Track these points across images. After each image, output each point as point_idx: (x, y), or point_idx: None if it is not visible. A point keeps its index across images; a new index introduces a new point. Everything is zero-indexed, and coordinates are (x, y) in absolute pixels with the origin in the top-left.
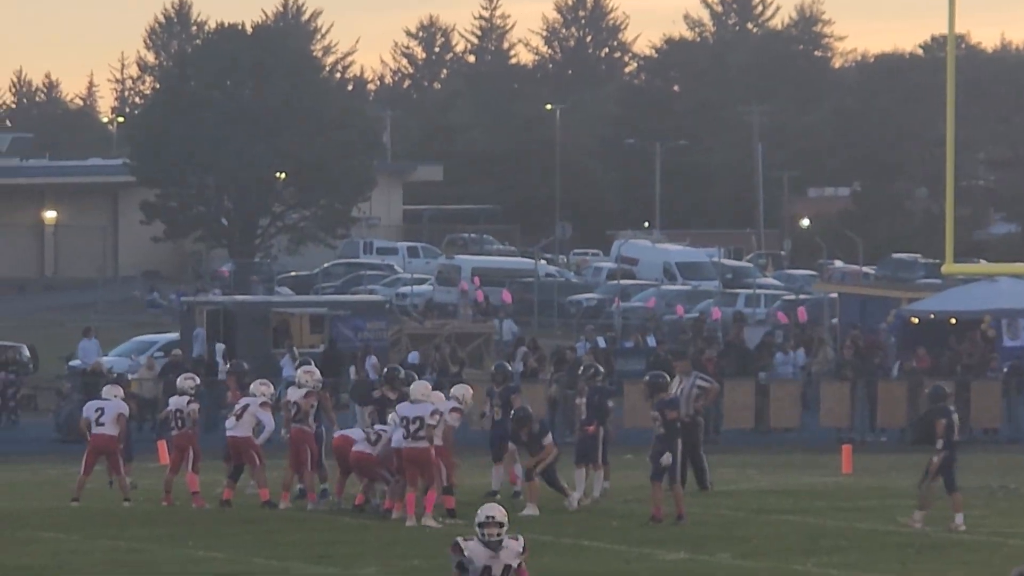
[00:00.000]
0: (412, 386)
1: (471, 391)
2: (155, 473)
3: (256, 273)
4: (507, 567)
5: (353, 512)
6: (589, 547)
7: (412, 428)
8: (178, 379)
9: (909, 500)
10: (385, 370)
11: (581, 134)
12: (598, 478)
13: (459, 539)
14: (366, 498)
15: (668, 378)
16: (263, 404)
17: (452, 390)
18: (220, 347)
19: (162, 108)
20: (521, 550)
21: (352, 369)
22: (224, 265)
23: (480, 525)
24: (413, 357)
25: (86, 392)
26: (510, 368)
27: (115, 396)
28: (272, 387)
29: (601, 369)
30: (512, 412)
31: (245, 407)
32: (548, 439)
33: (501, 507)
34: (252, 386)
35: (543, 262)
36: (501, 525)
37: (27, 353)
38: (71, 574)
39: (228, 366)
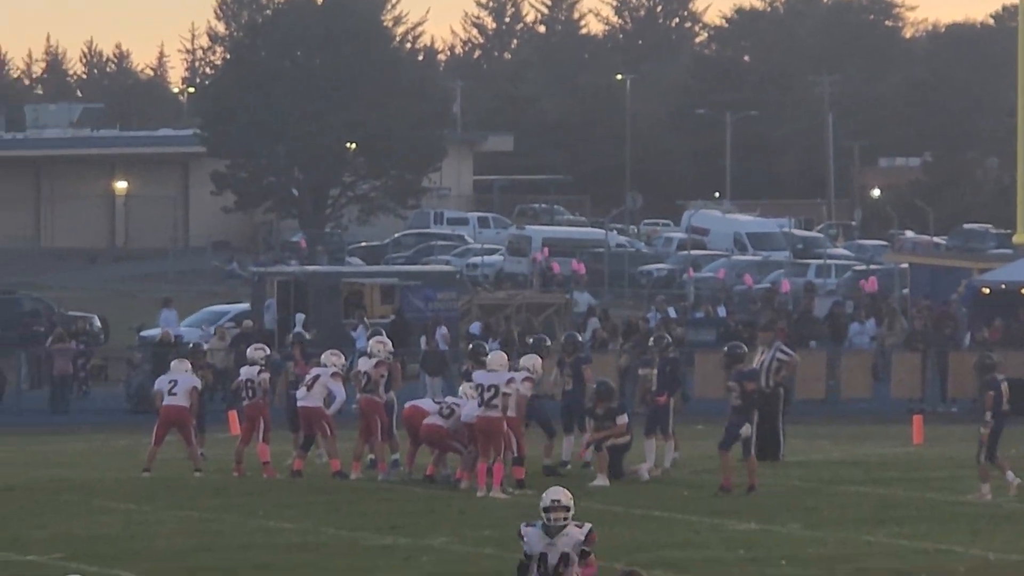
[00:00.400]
0: (490, 356)
1: (541, 360)
2: (226, 444)
3: (326, 243)
4: (564, 555)
5: (423, 482)
6: (660, 517)
7: (486, 396)
8: (248, 349)
9: (976, 473)
10: (471, 346)
11: (651, 104)
12: (668, 448)
13: (522, 526)
14: (436, 469)
15: (746, 349)
16: (334, 375)
17: (522, 360)
18: (300, 316)
19: (233, 79)
20: (583, 538)
21: (423, 339)
22: (296, 236)
23: (545, 509)
24: (475, 327)
25: (157, 363)
26: (580, 338)
27: (185, 371)
28: (343, 357)
29: (671, 339)
30: (596, 384)
31: (316, 377)
32: (623, 419)
33: (567, 491)
34: (323, 356)
35: (613, 232)
36: (567, 509)
37: (98, 324)
38: (142, 544)
39: (291, 336)
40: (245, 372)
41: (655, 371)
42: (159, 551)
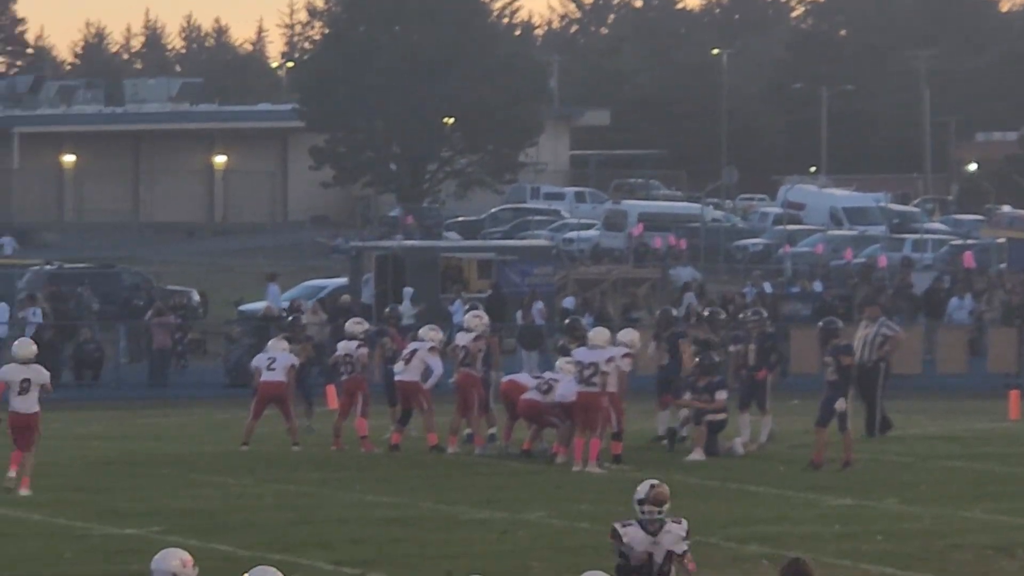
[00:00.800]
0: (592, 332)
1: (638, 335)
2: (324, 418)
3: (425, 218)
4: (669, 554)
5: (520, 457)
6: (755, 492)
7: (586, 373)
8: (347, 323)
9: None
10: (567, 321)
11: (748, 79)
12: (764, 423)
13: (616, 525)
14: (533, 443)
15: (841, 324)
16: (431, 349)
17: (619, 335)
18: (408, 291)
19: (331, 53)
20: (684, 534)
21: (519, 314)
22: (393, 210)
23: (640, 502)
24: (569, 301)
25: (260, 337)
26: (675, 313)
27: (283, 349)
28: (441, 332)
29: (765, 314)
30: (700, 357)
31: (413, 352)
32: (722, 395)
33: (664, 485)
34: (421, 331)
35: (709, 207)
36: (662, 503)
37: (197, 298)
38: (240, 517)
39: (386, 311)
40: (343, 347)
41: (751, 346)
42: (257, 524)
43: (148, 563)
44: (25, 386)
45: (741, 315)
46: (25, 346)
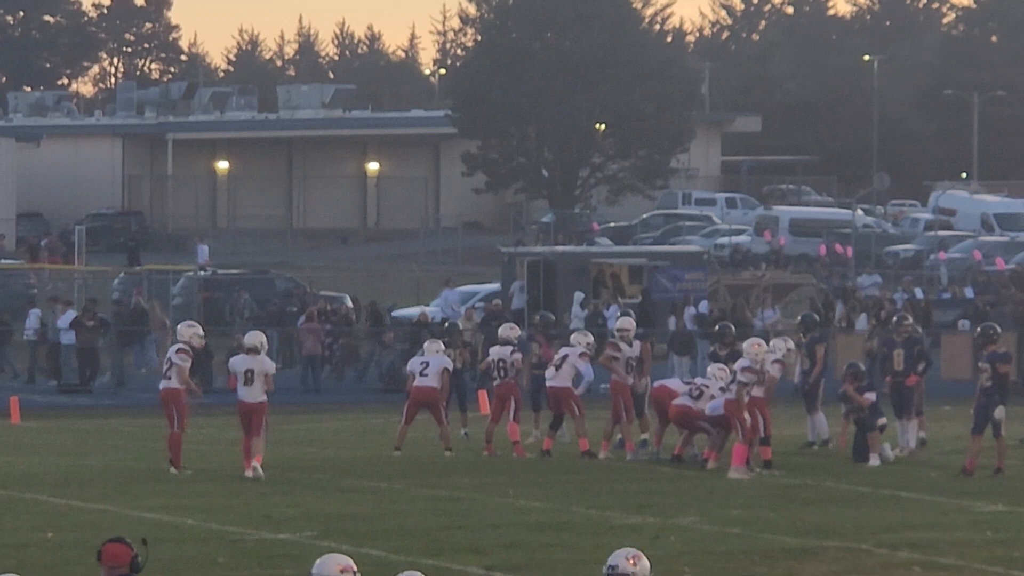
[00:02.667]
0: (746, 343)
1: (791, 343)
2: (476, 423)
3: (576, 224)
4: None
5: (671, 462)
6: (907, 498)
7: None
8: (501, 328)
9: None
10: (717, 328)
11: (899, 85)
12: (913, 429)
13: None
14: (684, 449)
15: (999, 330)
16: (582, 354)
17: (772, 342)
18: (579, 295)
19: (483, 60)
20: None
21: (672, 319)
22: (546, 216)
23: None
24: (703, 307)
25: (415, 343)
26: (817, 318)
27: (437, 352)
28: (592, 337)
29: (911, 320)
30: (846, 366)
31: (564, 357)
32: (870, 395)
33: (631, 555)
34: (572, 336)
35: (860, 213)
36: None
37: (350, 304)
38: (393, 522)
39: (536, 317)
40: (496, 352)
41: (899, 351)
42: (409, 529)
43: (302, 568)
44: (249, 376)
45: (892, 320)
46: (253, 337)
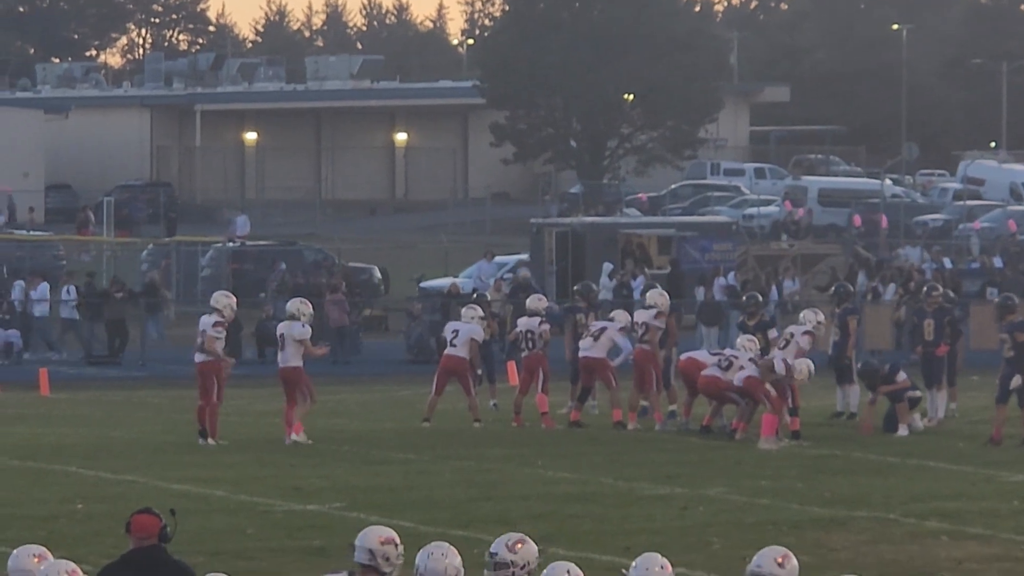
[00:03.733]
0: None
1: (822, 315)
2: (505, 394)
3: (604, 194)
4: None
5: (700, 433)
6: (935, 468)
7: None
8: (529, 300)
9: None
10: (745, 298)
11: (927, 54)
12: (942, 399)
13: None
14: (713, 419)
15: (1017, 300)
16: (622, 329)
17: (803, 314)
18: (608, 266)
19: (511, 30)
20: None
21: (700, 290)
22: (574, 187)
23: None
24: (731, 278)
25: (445, 314)
26: (851, 289)
27: (472, 319)
28: (628, 315)
29: (941, 289)
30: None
31: (603, 329)
32: (902, 376)
33: (514, 541)
34: (613, 313)
35: (889, 183)
36: (507, 566)
37: (379, 275)
38: (421, 493)
39: (577, 287)
40: (524, 323)
41: (929, 322)
42: (437, 501)
43: (330, 539)
44: (282, 342)
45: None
46: (290, 304)
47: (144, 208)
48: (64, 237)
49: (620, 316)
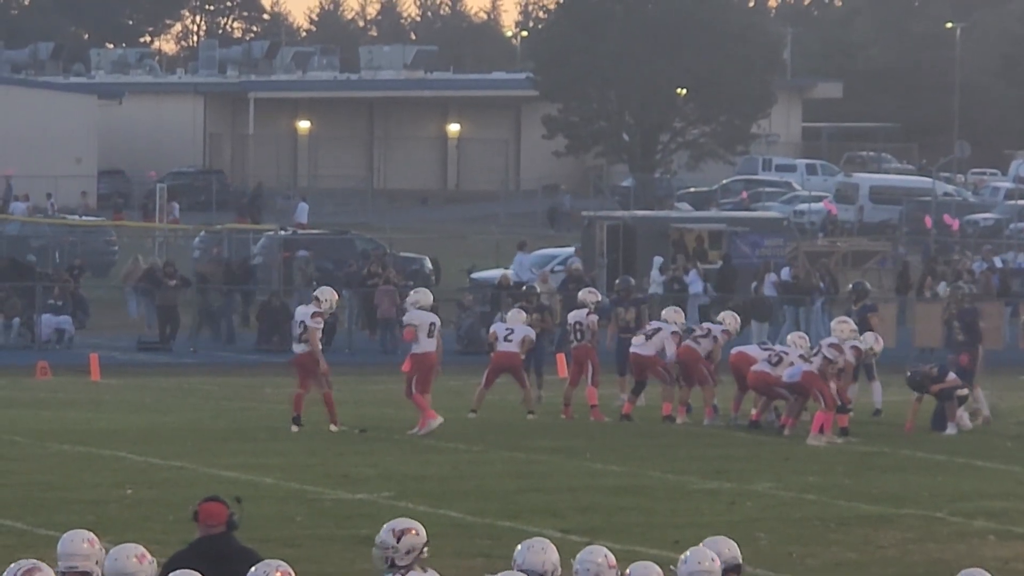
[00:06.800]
0: (834, 321)
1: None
2: (554, 386)
3: (656, 188)
4: None
5: (749, 428)
6: (982, 467)
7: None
8: (580, 292)
9: None
10: (617, 281)
11: (981, 53)
12: (984, 398)
13: None
14: (762, 415)
15: None
16: (673, 334)
17: (664, 312)
18: (658, 259)
19: (565, 22)
20: None
21: (753, 286)
22: (626, 180)
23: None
24: (785, 273)
25: (494, 306)
26: (868, 287)
27: (521, 321)
28: (683, 315)
29: (967, 290)
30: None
31: (657, 330)
32: (951, 376)
33: (401, 525)
34: (664, 312)
35: (941, 181)
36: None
37: (429, 265)
38: (470, 483)
39: (617, 282)
40: (574, 315)
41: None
42: (486, 491)
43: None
44: (431, 330)
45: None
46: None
47: (197, 194)
48: (118, 223)
49: (674, 318)
